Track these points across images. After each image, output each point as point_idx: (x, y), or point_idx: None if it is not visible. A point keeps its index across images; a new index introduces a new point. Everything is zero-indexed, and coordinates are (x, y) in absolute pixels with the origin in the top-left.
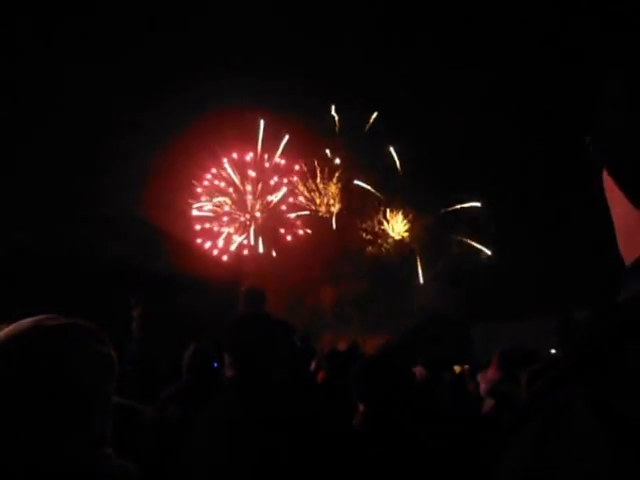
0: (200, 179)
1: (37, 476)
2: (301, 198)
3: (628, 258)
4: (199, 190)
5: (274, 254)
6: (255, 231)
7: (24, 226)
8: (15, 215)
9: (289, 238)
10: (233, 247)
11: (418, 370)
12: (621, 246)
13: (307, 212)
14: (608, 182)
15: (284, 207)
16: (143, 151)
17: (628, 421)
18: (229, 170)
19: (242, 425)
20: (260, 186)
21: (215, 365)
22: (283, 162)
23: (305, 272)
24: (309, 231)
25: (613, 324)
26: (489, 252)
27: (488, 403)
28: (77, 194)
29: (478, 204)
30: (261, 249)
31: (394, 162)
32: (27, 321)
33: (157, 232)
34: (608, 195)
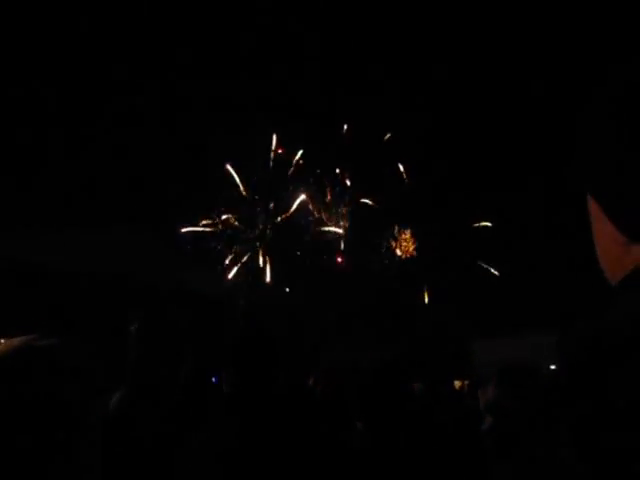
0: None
1: None
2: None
3: (614, 277)
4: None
5: (287, 290)
6: (263, 252)
7: (19, 237)
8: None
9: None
10: (231, 275)
11: (416, 385)
12: (605, 265)
13: (340, 230)
14: (592, 206)
15: (303, 222)
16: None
17: (610, 452)
18: (236, 179)
19: (240, 441)
20: (272, 205)
21: (214, 380)
22: (301, 161)
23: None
24: (339, 259)
25: (602, 345)
26: (496, 272)
27: (487, 420)
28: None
29: (488, 224)
30: (268, 277)
31: (403, 180)
32: (15, 341)
33: (157, 246)
34: (592, 217)
